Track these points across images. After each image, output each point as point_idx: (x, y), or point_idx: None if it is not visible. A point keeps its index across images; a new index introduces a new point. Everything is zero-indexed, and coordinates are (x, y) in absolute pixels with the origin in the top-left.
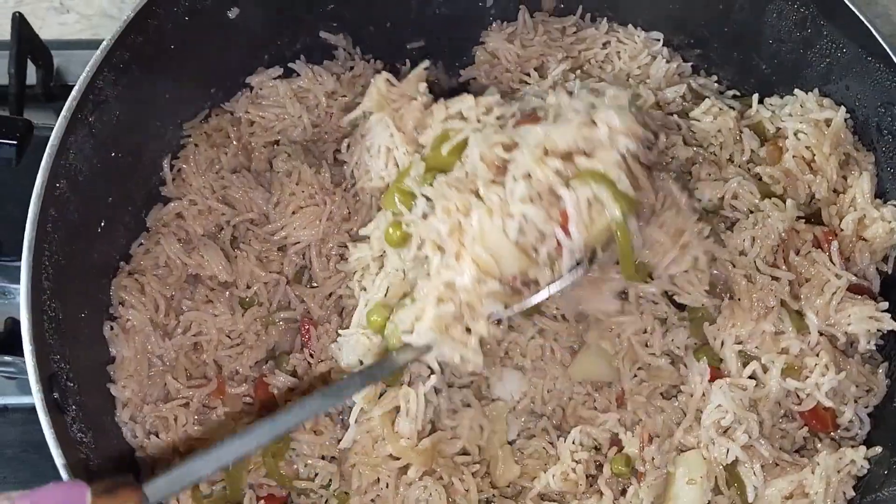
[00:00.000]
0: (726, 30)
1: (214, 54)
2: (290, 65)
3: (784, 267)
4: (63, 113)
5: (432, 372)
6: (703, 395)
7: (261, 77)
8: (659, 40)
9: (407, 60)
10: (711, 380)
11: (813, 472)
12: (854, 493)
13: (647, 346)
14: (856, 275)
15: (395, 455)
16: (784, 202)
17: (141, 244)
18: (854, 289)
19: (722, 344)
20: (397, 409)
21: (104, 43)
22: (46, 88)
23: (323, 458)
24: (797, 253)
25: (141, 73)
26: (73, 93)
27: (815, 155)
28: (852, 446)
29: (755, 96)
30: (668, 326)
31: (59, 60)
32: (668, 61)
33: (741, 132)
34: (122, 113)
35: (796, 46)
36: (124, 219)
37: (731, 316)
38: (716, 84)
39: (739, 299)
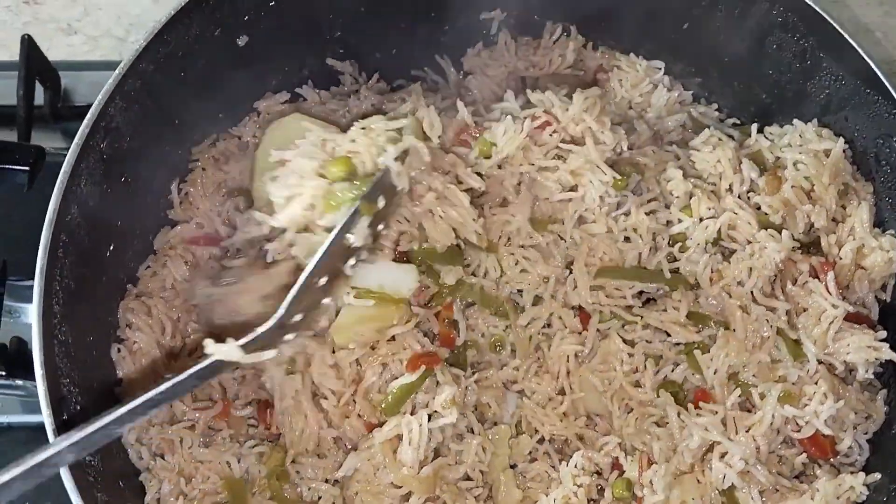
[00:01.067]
0: (727, 59)
1: (223, 80)
2: (297, 90)
3: (781, 297)
4: (76, 140)
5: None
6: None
7: (268, 102)
8: (660, 69)
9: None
10: (696, 403)
11: (812, 498)
12: None
13: (638, 385)
14: (854, 303)
15: (397, 483)
16: (781, 233)
17: (148, 267)
18: (852, 317)
19: (715, 373)
20: (399, 437)
21: (116, 71)
22: (54, 109)
23: (326, 481)
24: (794, 283)
25: (151, 100)
26: (86, 120)
27: (814, 185)
28: (851, 472)
29: (754, 126)
30: (662, 363)
31: (67, 81)
32: (669, 90)
33: (740, 162)
34: (132, 139)
35: (796, 77)
36: (132, 242)
37: (724, 346)
38: (716, 112)
39: (735, 330)
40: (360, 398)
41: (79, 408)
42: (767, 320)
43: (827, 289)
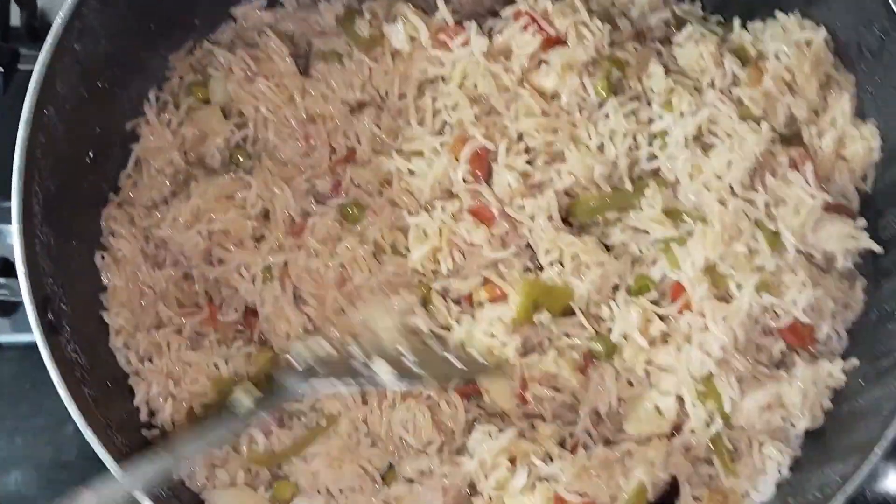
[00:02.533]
0: None
1: None
2: None
3: (760, 189)
4: (49, 39)
5: None
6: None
7: (245, 8)
8: None
9: None
10: (674, 298)
11: (791, 385)
12: (831, 405)
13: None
14: (835, 194)
15: None
16: (761, 124)
17: (129, 175)
18: (833, 208)
19: (692, 265)
20: None
21: None
22: (30, 29)
23: None
24: (773, 175)
25: (126, 3)
26: (59, 18)
27: (795, 76)
28: (830, 360)
29: (736, 20)
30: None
31: (43, 2)
32: None
33: (723, 56)
34: (108, 42)
35: None
36: (112, 149)
37: (702, 239)
38: (700, 11)
39: (712, 223)
40: (342, 297)
41: (64, 307)
42: (745, 212)
43: (806, 180)
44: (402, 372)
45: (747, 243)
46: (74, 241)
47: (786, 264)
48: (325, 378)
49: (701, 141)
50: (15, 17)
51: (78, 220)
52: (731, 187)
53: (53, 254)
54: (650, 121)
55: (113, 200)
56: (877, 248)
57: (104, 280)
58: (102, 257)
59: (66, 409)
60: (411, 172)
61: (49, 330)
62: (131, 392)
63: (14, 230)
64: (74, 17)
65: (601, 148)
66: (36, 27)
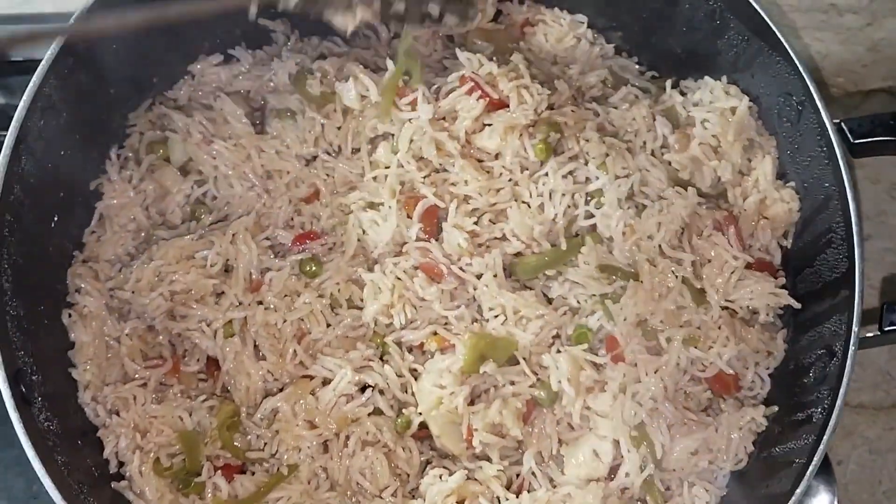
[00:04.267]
0: (645, 15)
1: (156, 47)
2: (230, 51)
3: (687, 249)
4: (13, 123)
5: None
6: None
7: (202, 65)
8: (584, 23)
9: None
10: (609, 350)
11: (717, 431)
12: (753, 448)
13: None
14: (759, 250)
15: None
16: (688, 189)
17: (93, 232)
18: (756, 265)
19: (624, 320)
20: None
21: (49, 51)
22: None
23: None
24: (699, 236)
25: (86, 74)
26: (22, 102)
27: (720, 141)
28: (753, 405)
29: (668, 82)
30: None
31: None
32: (591, 43)
33: (654, 118)
34: (69, 114)
35: (707, 36)
36: (76, 210)
37: (633, 295)
38: (636, 66)
39: (643, 281)
40: (301, 350)
41: (35, 377)
42: (673, 271)
43: (729, 242)
44: None
45: (675, 300)
46: (41, 305)
47: (711, 320)
48: None
49: (634, 200)
50: None
51: (44, 284)
52: (661, 247)
53: (23, 326)
54: (587, 180)
55: (78, 258)
56: (795, 305)
57: (71, 337)
58: (69, 315)
59: None
60: (364, 231)
61: (21, 402)
62: (100, 444)
63: None
64: (37, 98)
65: (542, 207)
66: None
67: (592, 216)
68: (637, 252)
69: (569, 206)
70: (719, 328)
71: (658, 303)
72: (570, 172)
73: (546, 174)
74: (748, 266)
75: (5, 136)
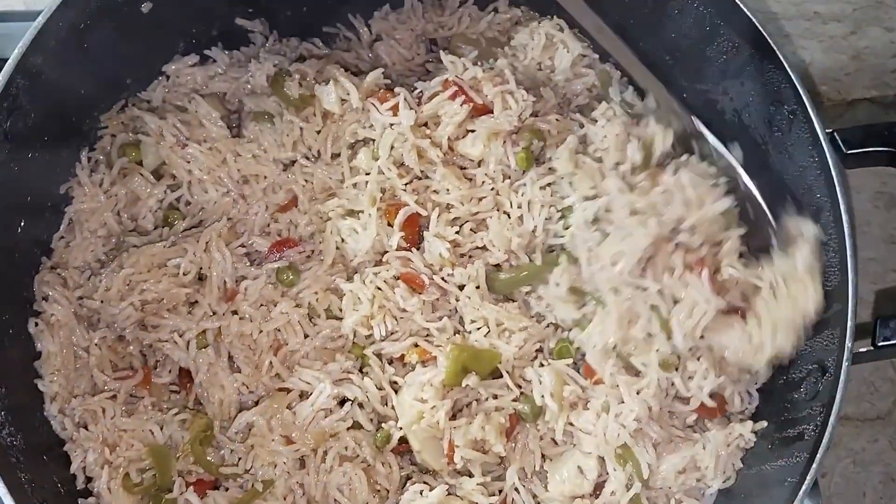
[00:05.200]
0: (631, 21)
1: (129, 47)
2: (206, 52)
3: (650, 278)
4: None
5: None
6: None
7: (177, 65)
8: (562, 29)
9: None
10: (588, 376)
11: (704, 448)
12: (742, 465)
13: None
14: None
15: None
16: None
17: (62, 237)
18: (731, 310)
19: (594, 348)
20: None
21: (17, 50)
22: None
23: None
24: (671, 274)
25: (55, 74)
26: None
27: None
28: (741, 420)
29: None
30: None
31: None
32: (567, 51)
33: (630, 140)
34: (38, 115)
35: (696, 42)
36: (44, 214)
37: (600, 323)
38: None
39: (610, 308)
40: (278, 362)
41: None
42: (643, 299)
43: (702, 283)
44: None
45: (644, 328)
46: (6, 314)
47: (686, 351)
48: None
49: (598, 224)
50: None
51: (10, 291)
52: (623, 274)
53: None
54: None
55: (45, 264)
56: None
57: (38, 347)
58: (36, 324)
59: None
60: (343, 239)
61: None
62: (67, 459)
63: None
64: (3, 97)
65: (521, 219)
66: None
67: (562, 234)
68: (602, 279)
69: (547, 219)
70: (698, 359)
71: (628, 330)
72: (549, 185)
73: (525, 185)
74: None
75: None
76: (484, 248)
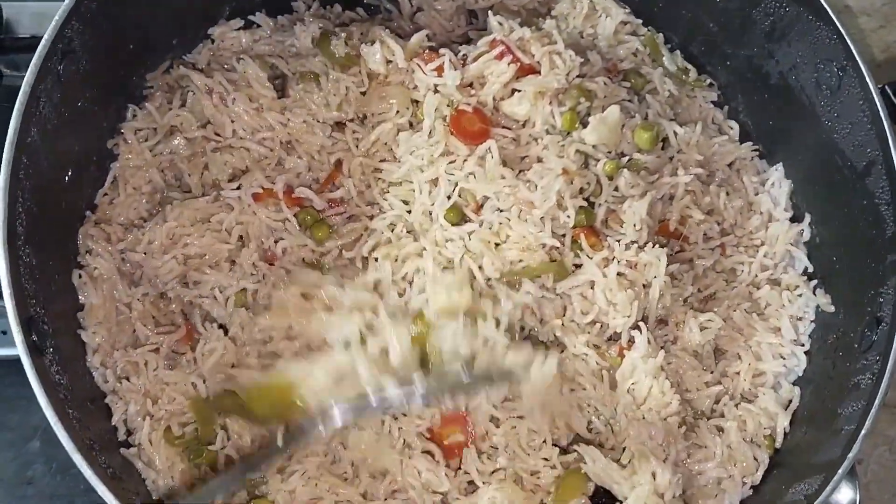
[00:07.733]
0: None
1: (177, 5)
2: (250, 17)
3: None
4: (34, 60)
5: None
6: None
7: (222, 29)
8: None
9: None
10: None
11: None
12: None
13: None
14: None
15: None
16: None
17: (106, 194)
18: None
19: None
20: None
21: None
22: None
23: None
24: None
25: (107, 23)
26: (44, 40)
27: None
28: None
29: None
30: None
31: (9, 13)
32: (610, 18)
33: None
34: (89, 63)
35: (741, 5)
36: (90, 168)
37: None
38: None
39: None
40: None
41: (46, 328)
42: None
43: None
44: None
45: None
46: (53, 260)
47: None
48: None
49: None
50: None
51: (56, 240)
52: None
53: (35, 275)
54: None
55: (90, 218)
56: None
57: (81, 299)
58: (80, 276)
59: (31, 425)
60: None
61: (34, 351)
62: (108, 411)
63: (1, 251)
64: (58, 38)
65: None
66: (2, 40)
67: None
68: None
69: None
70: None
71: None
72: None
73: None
74: None
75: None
76: None
